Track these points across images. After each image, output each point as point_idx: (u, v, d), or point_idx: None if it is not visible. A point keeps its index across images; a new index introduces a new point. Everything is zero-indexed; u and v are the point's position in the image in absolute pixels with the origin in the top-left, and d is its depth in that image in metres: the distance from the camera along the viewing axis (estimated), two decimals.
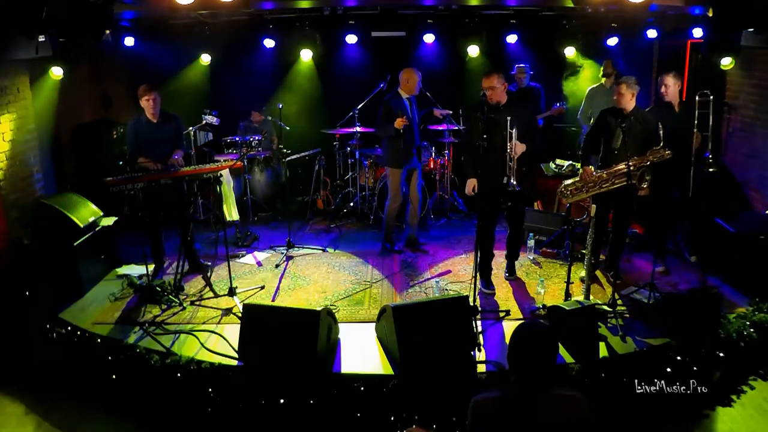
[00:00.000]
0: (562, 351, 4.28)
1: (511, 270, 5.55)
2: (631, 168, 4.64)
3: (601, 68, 6.77)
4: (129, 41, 6.81)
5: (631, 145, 4.73)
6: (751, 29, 5.29)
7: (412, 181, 6.05)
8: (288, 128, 7.51)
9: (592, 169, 5.07)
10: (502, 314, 4.83)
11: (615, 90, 4.97)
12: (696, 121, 5.09)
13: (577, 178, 5.13)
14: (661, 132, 4.84)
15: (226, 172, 6.25)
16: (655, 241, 5.51)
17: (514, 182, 4.81)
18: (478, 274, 4.75)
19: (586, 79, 7.58)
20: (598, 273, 5.45)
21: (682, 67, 7.18)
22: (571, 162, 6.91)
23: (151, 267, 5.53)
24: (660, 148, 4.78)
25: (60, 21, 4.53)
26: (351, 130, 7.09)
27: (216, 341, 4.48)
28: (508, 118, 4.78)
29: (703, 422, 3.87)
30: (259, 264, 6.00)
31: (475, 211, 6.60)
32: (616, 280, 5.15)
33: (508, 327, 4.67)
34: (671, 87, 5.27)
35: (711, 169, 5.15)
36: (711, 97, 5.04)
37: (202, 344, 4.43)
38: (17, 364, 4.57)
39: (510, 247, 5.51)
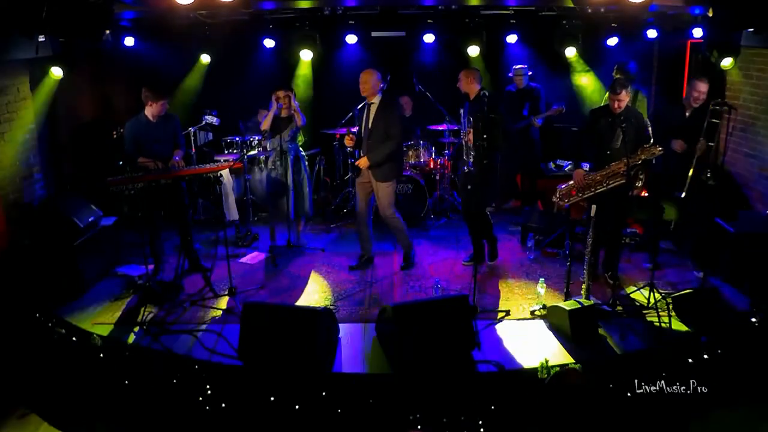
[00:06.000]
0: (562, 351, 4.29)
1: (491, 255, 5.74)
2: (625, 168, 4.65)
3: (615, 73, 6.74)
4: (129, 41, 6.81)
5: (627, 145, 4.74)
6: (751, 29, 5.29)
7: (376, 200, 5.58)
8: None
9: (583, 171, 5.07)
10: (502, 314, 4.84)
11: (617, 97, 4.85)
12: (705, 129, 5.07)
13: (571, 182, 5.13)
14: (650, 129, 4.85)
15: (226, 172, 6.25)
16: (649, 241, 5.52)
17: (471, 164, 5.10)
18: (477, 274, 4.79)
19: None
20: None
21: (682, 67, 7.18)
22: (571, 162, 6.91)
23: (151, 267, 5.53)
24: (651, 146, 4.77)
25: (60, 21, 4.52)
26: (351, 130, 7.08)
27: (216, 341, 4.48)
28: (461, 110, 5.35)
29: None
30: (259, 264, 6.00)
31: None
32: (615, 281, 5.16)
33: (508, 327, 4.67)
34: (704, 94, 5.19)
35: (710, 183, 5.14)
36: (726, 107, 4.97)
37: (202, 344, 4.44)
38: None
39: (482, 235, 5.69)
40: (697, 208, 5.57)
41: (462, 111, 5.53)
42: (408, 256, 5.82)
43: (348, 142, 5.49)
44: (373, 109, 5.40)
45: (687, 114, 5.26)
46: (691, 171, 5.22)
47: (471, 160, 5.09)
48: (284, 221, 6.15)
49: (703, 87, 5.26)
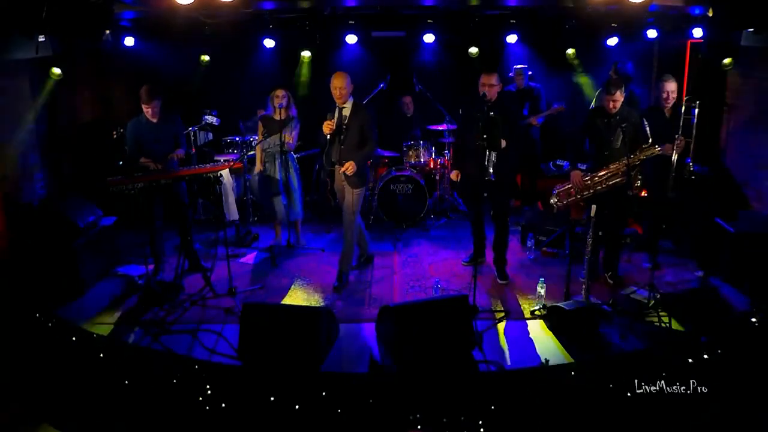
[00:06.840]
0: (562, 351, 4.29)
1: (501, 275, 5.47)
2: (625, 168, 4.65)
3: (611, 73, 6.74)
4: (129, 41, 6.82)
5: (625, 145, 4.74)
6: (751, 29, 5.29)
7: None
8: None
9: (580, 172, 5.06)
10: (501, 314, 4.84)
11: (612, 98, 4.84)
12: (681, 126, 5.08)
13: (569, 184, 5.12)
14: (647, 129, 4.84)
15: (226, 172, 6.25)
16: (649, 241, 5.50)
17: (491, 171, 4.95)
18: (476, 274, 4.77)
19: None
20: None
21: (682, 67, 7.18)
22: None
23: (151, 267, 5.53)
24: (650, 146, 4.77)
25: (60, 21, 4.52)
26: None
27: (216, 341, 4.48)
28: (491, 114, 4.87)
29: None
30: (259, 264, 6.00)
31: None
32: (615, 281, 5.16)
33: (508, 327, 4.67)
34: (674, 93, 5.22)
35: (692, 177, 5.13)
36: (697, 102, 5.00)
37: (202, 344, 4.44)
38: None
39: (494, 250, 5.48)
40: (690, 206, 5.56)
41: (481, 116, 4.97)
42: (342, 275, 5.38)
43: (326, 128, 5.32)
44: (346, 112, 5.31)
45: (667, 115, 5.24)
46: (673, 166, 5.23)
47: (490, 168, 4.94)
48: (280, 221, 6.16)
49: (670, 86, 5.19)
